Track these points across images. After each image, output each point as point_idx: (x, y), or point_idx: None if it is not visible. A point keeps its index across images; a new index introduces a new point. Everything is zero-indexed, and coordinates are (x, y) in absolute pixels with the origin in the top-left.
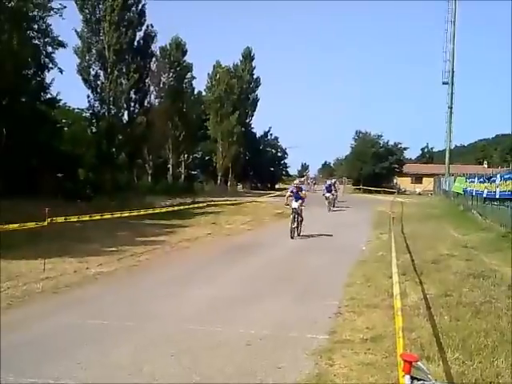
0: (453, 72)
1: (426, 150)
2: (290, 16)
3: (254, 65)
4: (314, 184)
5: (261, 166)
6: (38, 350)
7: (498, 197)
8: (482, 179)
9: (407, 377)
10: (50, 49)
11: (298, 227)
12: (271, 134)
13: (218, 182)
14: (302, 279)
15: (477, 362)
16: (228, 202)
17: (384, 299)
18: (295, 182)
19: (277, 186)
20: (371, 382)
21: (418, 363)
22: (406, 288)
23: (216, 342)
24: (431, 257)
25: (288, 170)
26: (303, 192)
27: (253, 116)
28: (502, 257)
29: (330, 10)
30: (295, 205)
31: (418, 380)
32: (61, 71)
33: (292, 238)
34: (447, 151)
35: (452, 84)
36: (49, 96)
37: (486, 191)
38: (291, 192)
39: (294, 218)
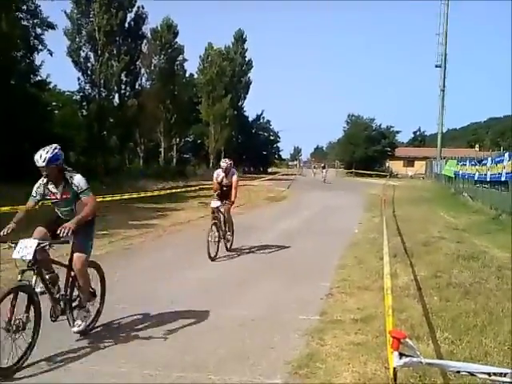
0: (445, 55)
1: (418, 133)
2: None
3: (246, 47)
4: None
5: (253, 149)
6: None
7: (488, 180)
8: (473, 162)
9: (396, 353)
10: (39, 30)
11: (221, 240)
12: (263, 118)
13: (211, 165)
14: (294, 262)
15: (466, 342)
16: None
17: (375, 281)
18: (222, 163)
19: (269, 170)
20: (362, 361)
21: (407, 340)
22: (397, 269)
23: (208, 323)
24: (422, 239)
25: (280, 153)
26: (233, 178)
27: (245, 99)
28: (491, 239)
29: None
30: (215, 204)
31: (407, 356)
32: (50, 53)
33: (211, 259)
34: (439, 134)
35: (445, 67)
36: (38, 78)
37: (477, 174)
38: (215, 180)
39: (215, 224)
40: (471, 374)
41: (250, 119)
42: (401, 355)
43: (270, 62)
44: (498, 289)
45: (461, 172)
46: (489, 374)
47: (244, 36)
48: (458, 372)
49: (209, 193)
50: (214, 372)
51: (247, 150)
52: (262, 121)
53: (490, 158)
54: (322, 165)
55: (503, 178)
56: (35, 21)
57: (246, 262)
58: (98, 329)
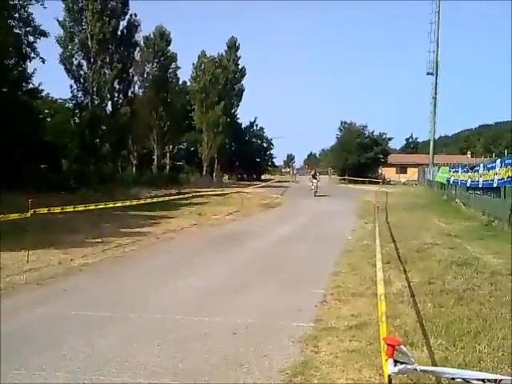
0: (437, 63)
1: (410, 140)
2: (275, 7)
3: (239, 55)
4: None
5: (246, 156)
6: (23, 341)
7: (480, 186)
8: (465, 169)
9: (390, 360)
10: (31, 38)
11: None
12: (257, 125)
13: (204, 172)
14: (288, 269)
15: (459, 348)
16: (214, 193)
17: (369, 287)
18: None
19: (263, 177)
20: (356, 368)
21: (401, 347)
22: (391, 276)
23: (202, 331)
24: (415, 245)
25: (274, 160)
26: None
27: (238, 106)
28: (484, 245)
29: (315, 2)
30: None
31: (401, 363)
32: (43, 61)
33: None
34: (431, 141)
35: (436, 75)
36: (31, 86)
37: (469, 181)
38: (312, 176)
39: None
40: (466, 380)
41: (244, 126)
42: (395, 362)
43: (263, 69)
44: (492, 295)
45: (453, 178)
46: (483, 381)
47: (237, 44)
48: (453, 379)
49: (201, 200)
50: (207, 380)
51: (240, 157)
52: (255, 128)
53: (481, 165)
54: (312, 172)
55: (495, 185)
56: (28, 29)
57: (240, 268)
58: (91, 336)
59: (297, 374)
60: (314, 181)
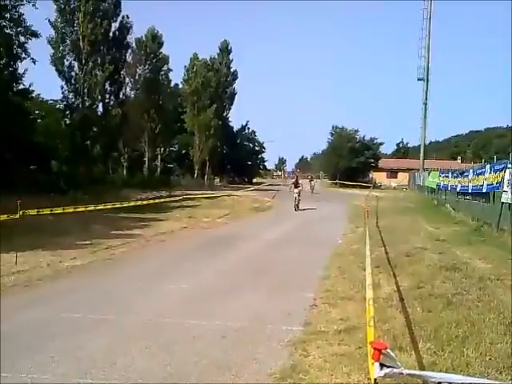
0: (428, 69)
1: (401, 145)
2: (268, 11)
3: (231, 58)
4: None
5: (238, 159)
6: (11, 344)
7: (470, 191)
8: (455, 174)
9: (376, 364)
10: (22, 39)
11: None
12: (248, 128)
13: (195, 175)
14: (278, 272)
15: (448, 352)
16: (205, 196)
17: (358, 291)
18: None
19: (254, 180)
20: (345, 372)
21: (388, 351)
22: (380, 280)
23: (191, 334)
24: (405, 250)
25: (265, 164)
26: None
27: (230, 109)
28: (473, 250)
29: (306, 5)
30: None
31: (388, 367)
32: (34, 62)
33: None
34: (422, 146)
35: (427, 80)
36: (21, 87)
37: (459, 186)
38: (292, 184)
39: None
40: None
41: (235, 130)
42: (382, 366)
43: (255, 73)
44: (480, 300)
45: (443, 183)
46: None
47: (229, 47)
48: (440, 383)
49: (193, 203)
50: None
51: (232, 161)
52: (247, 131)
53: (471, 170)
54: (310, 176)
55: (484, 190)
56: (19, 29)
57: (230, 272)
58: (79, 338)
59: (285, 377)
60: (312, 183)
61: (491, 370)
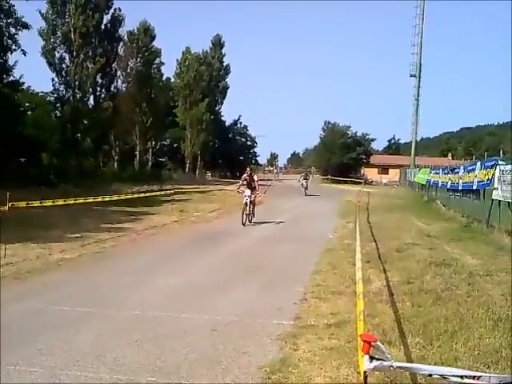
0: (420, 65)
1: (392, 141)
2: (261, 6)
3: (224, 52)
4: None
5: (230, 154)
6: None
7: (460, 188)
8: (446, 171)
9: (366, 357)
10: (13, 30)
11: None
12: (241, 123)
13: (187, 169)
14: (269, 267)
15: (436, 347)
16: (196, 190)
17: (349, 286)
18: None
19: None
20: (334, 365)
21: (378, 343)
22: (371, 275)
23: (181, 328)
24: (395, 245)
25: (257, 159)
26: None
27: (222, 104)
28: (463, 246)
29: (299, 1)
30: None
31: (377, 360)
32: (24, 53)
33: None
34: (413, 143)
35: (419, 77)
36: (12, 78)
37: (449, 183)
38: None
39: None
40: (443, 377)
41: (227, 124)
42: (371, 359)
43: (247, 67)
44: (469, 295)
45: (433, 180)
46: (461, 377)
47: (222, 41)
48: (430, 375)
49: (184, 197)
50: (185, 377)
51: (224, 155)
52: (239, 126)
53: (462, 167)
54: (304, 173)
55: (475, 187)
56: (9, 20)
57: (220, 266)
58: (68, 332)
59: (275, 371)
60: (305, 181)
61: (480, 364)
